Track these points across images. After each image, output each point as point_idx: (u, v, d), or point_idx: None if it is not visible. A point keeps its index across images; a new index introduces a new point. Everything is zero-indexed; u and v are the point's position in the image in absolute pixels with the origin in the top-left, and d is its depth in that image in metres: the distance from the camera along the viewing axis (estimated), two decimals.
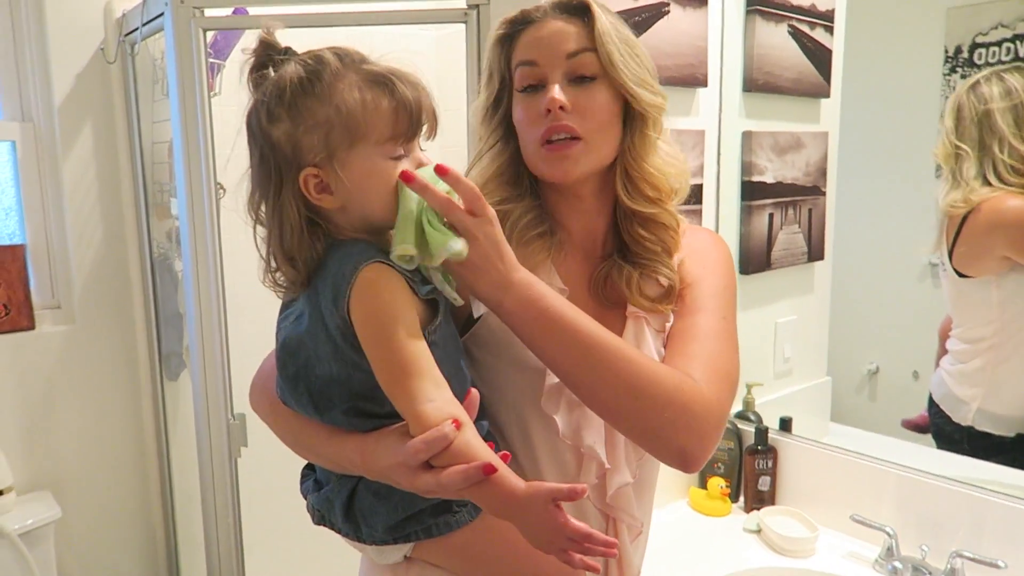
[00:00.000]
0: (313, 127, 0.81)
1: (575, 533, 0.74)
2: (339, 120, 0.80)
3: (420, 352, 0.78)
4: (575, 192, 0.99)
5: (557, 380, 0.91)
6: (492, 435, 0.95)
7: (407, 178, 0.80)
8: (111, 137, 2.25)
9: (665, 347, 0.97)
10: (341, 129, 0.81)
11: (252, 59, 0.86)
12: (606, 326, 0.96)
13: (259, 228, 0.87)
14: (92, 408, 2.28)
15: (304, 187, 0.82)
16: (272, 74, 0.84)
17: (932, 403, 1.73)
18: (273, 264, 0.86)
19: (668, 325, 0.99)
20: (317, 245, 0.84)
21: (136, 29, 2.01)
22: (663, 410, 0.84)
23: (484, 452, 0.75)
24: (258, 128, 0.83)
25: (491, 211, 0.82)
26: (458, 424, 0.75)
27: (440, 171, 0.80)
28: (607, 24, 0.94)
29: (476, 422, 0.87)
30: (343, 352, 0.81)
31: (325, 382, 0.84)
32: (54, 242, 2.25)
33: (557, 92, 0.92)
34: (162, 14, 1.82)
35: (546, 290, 0.85)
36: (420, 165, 0.85)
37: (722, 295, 1.01)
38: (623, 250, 1.01)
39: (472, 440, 0.76)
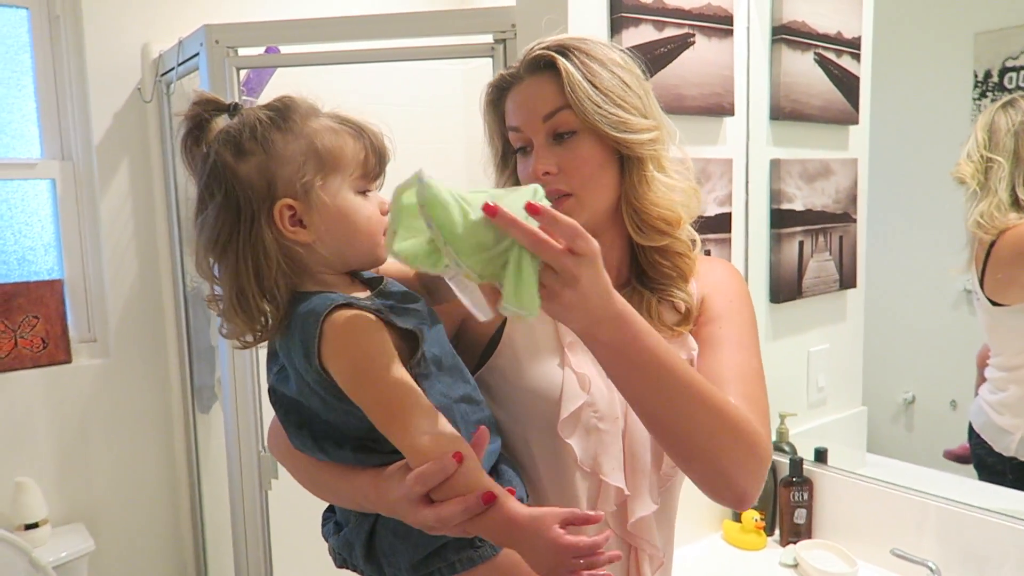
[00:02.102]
0: (289, 159, 0.80)
1: (580, 550, 0.72)
2: (314, 152, 0.81)
3: (404, 387, 0.77)
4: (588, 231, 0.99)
5: (575, 409, 0.91)
6: (507, 460, 0.93)
7: (491, 211, 0.67)
8: (147, 174, 2.31)
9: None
10: (317, 161, 0.81)
11: (189, 120, 0.83)
12: None
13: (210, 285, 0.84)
14: (125, 441, 2.31)
15: (279, 219, 0.80)
16: (213, 131, 0.83)
17: (973, 433, 1.68)
18: (241, 308, 0.81)
19: (693, 354, 0.99)
20: (284, 287, 0.83)
21: (172, 69, 2.07)
22: (733, 451, 0.85)
23: (485, 482, 0.74)
24: (223, 167, 0.81)
25: (595, 245, 0.73)
26: (459, 457, 0.73)
27: (532, 210, 0.69)
28: (577, 77, 0.92)
29: (491, 440, 0.86)
30: (331, 403, 0.80)
31: (327, 429, 0.84)
32: (91, 277, 2.30)
33: (540, 161, 0.94)
34: (197, 54, 1.87)
35: (642, 326, 0.81)
36: (383, 203, 0.85)
37: (753, 332, 1.02)
38: (641, 276, 1.02)
39: (473, 471, 0.74)
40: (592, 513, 0.73)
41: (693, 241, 1.03)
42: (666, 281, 1.00)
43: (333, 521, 0.95)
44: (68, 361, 2.21)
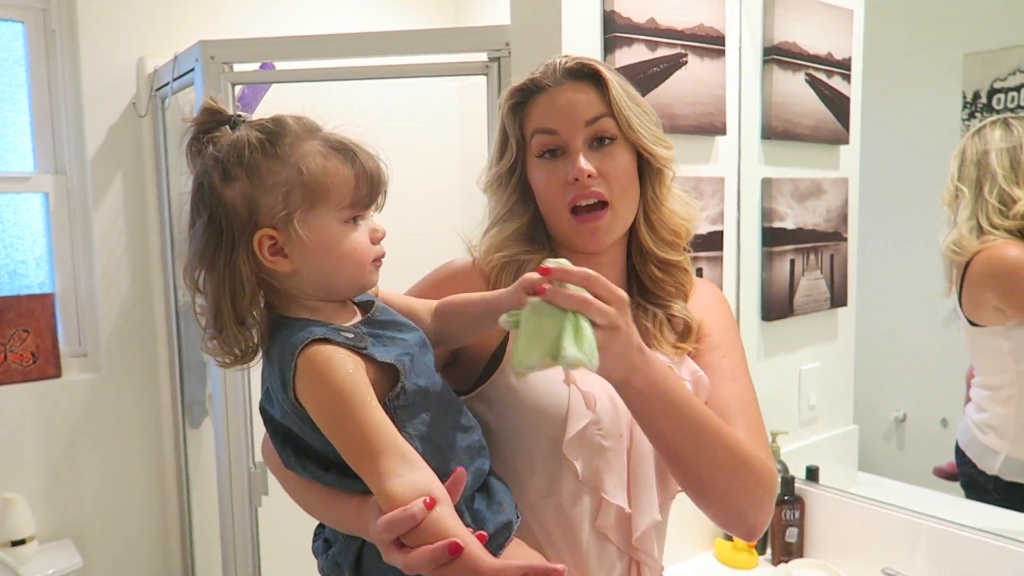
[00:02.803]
0: (272, 187, 0.79)
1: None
2: (301, 181, 0.79)
3: (378, 427, 0.75)
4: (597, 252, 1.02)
5: (580, 428, 0.92)
6: (498, 476, 0.93)
7: (540, 292, 0.77)
8: (140, 188, 2.31)
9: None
10: (302, 191, 0.79)
11: (194, 127, 0.84)
12: None
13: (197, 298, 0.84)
14: (115, 456, 2.29)
15: (258, 249, 0.80)
16: (218, 140, 0.82)
17: (959, 451, 1.69)
18: (219, 329, 0.82)
19: (696, 374, 1.00)
20: (264, 312, 0.83)
21: (167, 84, 2.08)
22: (749, 490, 0.91)
23: (456, 529, 0.72)
24: (210, 189, 0.80)
25: (623, 293, 0.81)
26: (431, 502, 0.72)
27: (542, 272, 0.78)
28: (619, 90, 0.97)
29: (478, 463, 0.86)
30: (308, 432, 0.80)
31: (311, 451, 0.83)
32: (82, 291, 2.30)
33: (584, 162, 0.94)
34: (192, 69, 1.88)
35: (666, 370, 0.87)
36: (375, 231, 0.84)
37: (744, 357, 1.06)
38: (643, 294, 1.04)
39: (446, 518, 0.72)
40: (554, 566, 0.72)
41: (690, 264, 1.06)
42: (668, 298, 1.03)
43: (323, 538, 0.95)
44: (58, 376, 2.20)
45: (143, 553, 2.36)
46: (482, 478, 0.88)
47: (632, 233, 1.03)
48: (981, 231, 1.57)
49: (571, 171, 0.95)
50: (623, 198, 0.97)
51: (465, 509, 0.82)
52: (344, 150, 0.83)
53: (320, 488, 0.86)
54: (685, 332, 1.02)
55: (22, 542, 2.02)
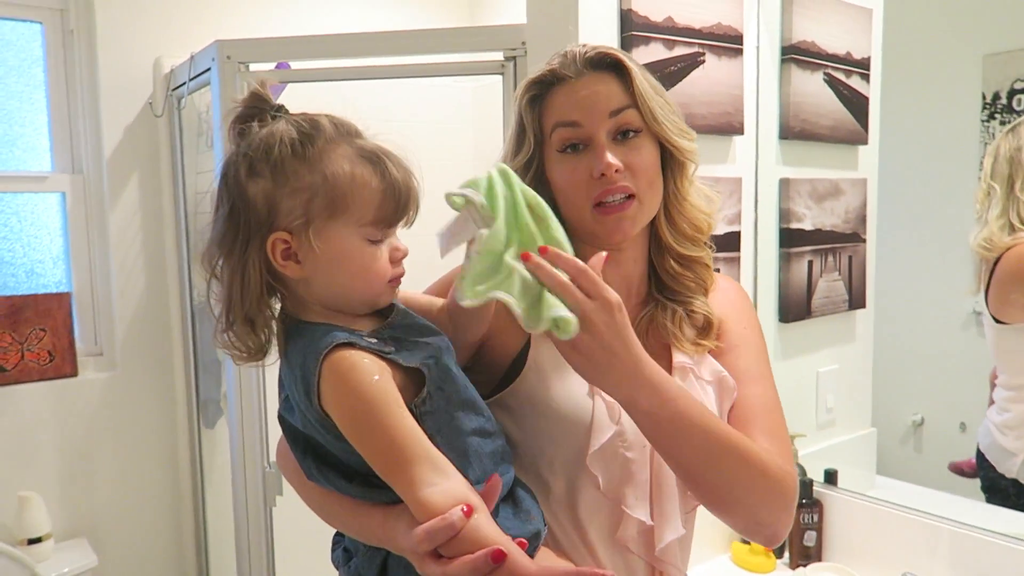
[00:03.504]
0: (295, 191, 0.77)
1: None
2: (324, 189, 0.77)
3: (409, 434, 0.73)
4: (618, 246, 0.98)
5: (605, 440, 0.90)
6: (524, 485, 0.90)
7: (524, 257, 0.78)
8: (156, 188, 2.32)
9: (729, 412, 0.97)
10: (324, 199, 0.77)
11: (240, 108, 0.82)
12: None
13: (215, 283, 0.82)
14: (130, 455, 2.30)
15: (271, 251, 0.77)
16: (256, 129, 0.80)
17: (980, 454, 1.67)
18: (229, 323, 0.80)
19: (719, 373, 0.98)
20: (275, 314, 0.82)
21: (183, 84, 2.08)
22: (768, 500, 0.89)
23: (496, 537, 0.71)
24: (235, 180, 0.79)
25: (612, 295, 0.78)
26: (469, 510, 0.70)
27: (541, 252, 0.78)
28: (643, 80, 0.94)
29: (503, 471, 0.83)
30: (332, 441, 0.78)
31: (334, 461, 0.81)
32: (99, 290, 2.31)
33: (610, 156, 0.91)
34: (209, 69, 1.88)
35: (676, 388, 0.84)
36: (396, 249, 0.82)
37: (767, 358, 1.03)
38: (660, 290, 1.02)
39: (484, 526, 0.71)
40: (602, 571, 0.71)
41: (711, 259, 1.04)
42: (688, 294, 1.00)
43: (343, 547, 0.92)
44: (74, 374, 2.21)
45: (157, 552, 2.36)
46: (507, 486, 0.86)
47: (652, 227, 1.00)
48: (1012, 229, 1.55)
49: (597, 166, 0.91)
50: (650, 191, 0.94)
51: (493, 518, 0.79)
52: (376, 161, 0.79)
53: (342, 498, 0.83)
54: (705, 328, 1.00)
55: (38, 540, 2.03)
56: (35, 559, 1.98)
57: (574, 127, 0.93)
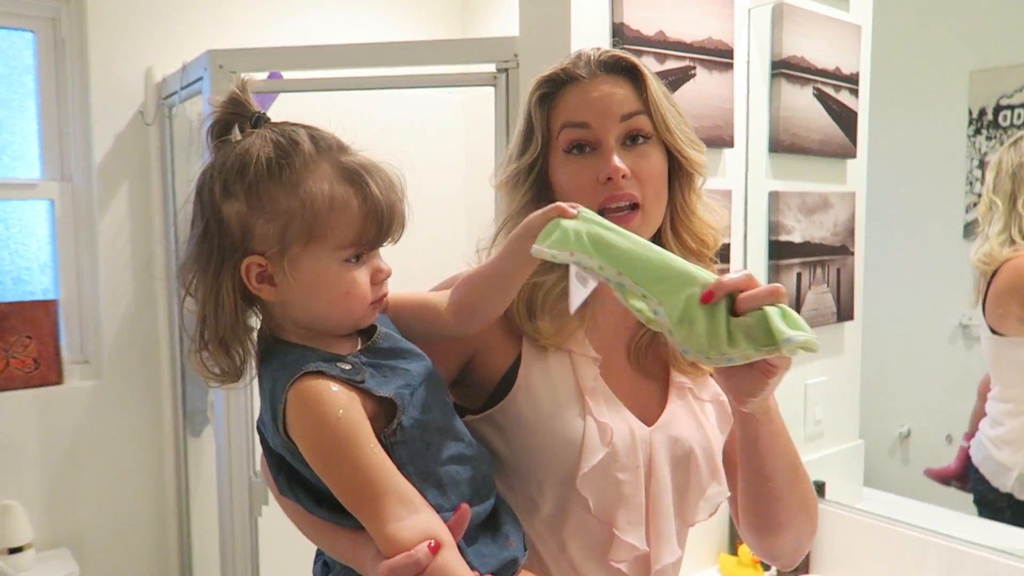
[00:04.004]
0: (271, 216, 0.73)
1: None
2: (301, 214, 0.73)
3: (375, 469, 0.71)
4: None
5: (597, 462, 0.87)
6: (508, 509, 0.88)
7: (708, 297, 0.72)
8: (146, 196, 2.31)
9: (727, 439, 0.98)
10: (301, 224, 0.73)
11: (217, 113, 0.78)
12: (646, 396, 0.96)
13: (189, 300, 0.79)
14: (115, 464, 2.28)
15: (245, 274, 0.74)
16: (237, 137, 0.77)
17: (972, 467, 1.68)
18: (203, 343, 0.77)
19: (718, 396, 0.97)
20: (251, 335, 0.79)
21: (175, 92, 2.08)
22: (813, 531, 0.95)
23: (462, 573, 0.70)
24: (209, 199, 0.75)
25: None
26: (436, 546, 0.69)
27: (708, 297, 0.72)
28: (657, 88, 0.92)
29: (480, 500, 0.81)
30: (300, 466, 0.76)
31: (306, 483, 0.79)
32: (86, 298, 2.29)
33: (618, 160, 0.88)
34: (201, 78, 1.88)
35: (774, 402, 0.87)
36: (379, 271, 0.79)
37: None
38: None
39: (450, 562, 0.69)
40: None
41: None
42: None
43: (323, 561, 0.90)
44: (60, 383, 2.19)
45: (141, 563, 2.34)
46: (485, 514, 0.83)
47: (657, 240, 0.95)
48: (1012, 243, 1.56)
49: (604, 170, 0.88)
50: (655, 201, 0.91)
51: (466, 546, 0.77)
52: (356, 180, 0.75)
53: (315, 518, 0.82)
54: None
55: (19, 550, 2.01)
56: (16, 569, 1.95)
57: (583, 128, 0.90)
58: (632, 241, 0.76)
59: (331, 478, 0.72)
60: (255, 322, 0.81)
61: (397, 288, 0.86)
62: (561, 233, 0.75)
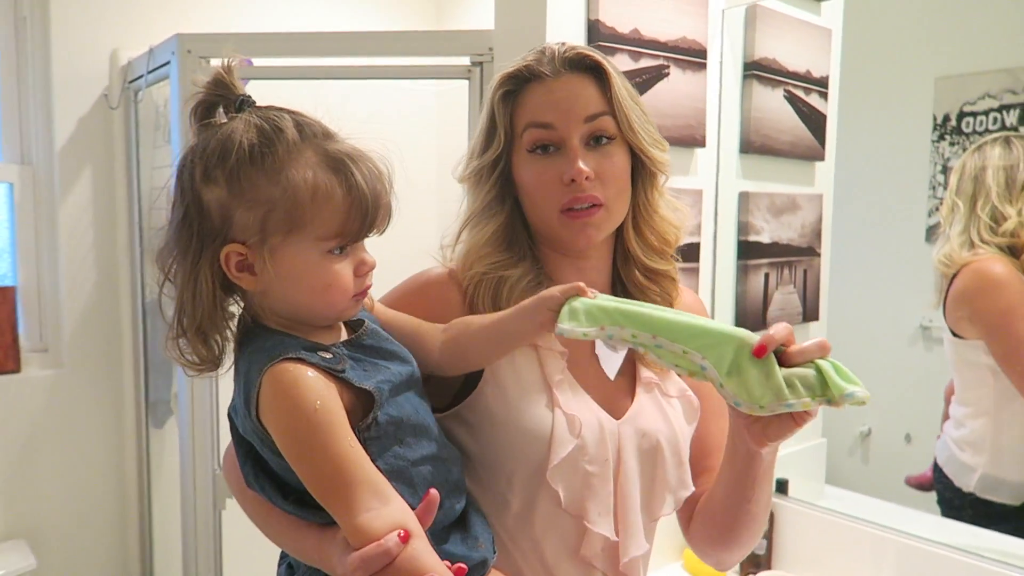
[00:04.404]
0: (252, 204, 0.72)
1: None
2: (283, 203, 0.72)
3: (349, 456, 0.70)
4: (582, 253, 0.96)
5: (567, 454, 0.87)
6: (477, 508, 0.88)
7: (760, 351, 0.75)
8: (110, 182, 2.26)
9: (692, 437, 1.00)
10: (282, 213, 0.72)
11: (202, 95, 0.76)
12: (613, 390, 0.96)
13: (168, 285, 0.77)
14: (74, 455, 2.23)
15: (224, 262, 0.73)
16: (221, 120, 0.75)
17: (937, 468, 1.71)
18: (181, 331, 0.76)
19: (684, 391, 0.98)
20: (230, 322, 0.78)
21: (141, 76, 2.04)
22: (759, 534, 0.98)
23: (433, 563, 0.69)
24: (189, 183, 0.74)
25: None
26: (406, 535, 0.68)
27: (760, 351, 0.75)
28: (621, 87, 0.92)
29: (451, 501, 0.81)
30: (270, 455, 0.75)
31: (272, 475, 0.78)
32: (46, 285, 2.24)
33: (582, 162, 0.89)
34: (168, 63, 1.84)
35: None
36: (363, 263, 0.77)
37: None
38: None
39: (421, 553, 0.69)
40: None
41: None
42: None
43: (287, 563, 0.89)
44: (17, 371, 2.14)
45: (100, 555, 2.29)
46: (454, 516, 0.83)
47: (619, 237, 0.98)
48: (972, 245, 1.59)
49: (568, 171, 0.89)
50: (617, 200, 0.93)
51: (436, 546, 0.76)
52: (341, 169, 0.74)
53: (280, 514, 0.80)
54: None
55: None
56: None
57: (547, 128, 0.90)
58: (655, 308, 0.80)
59: (302, 466, 0.71)
60: (236, 308, 0.80)
61: (379, 279, 0.84)
62: (587, 311, 0.79)
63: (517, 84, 0.93)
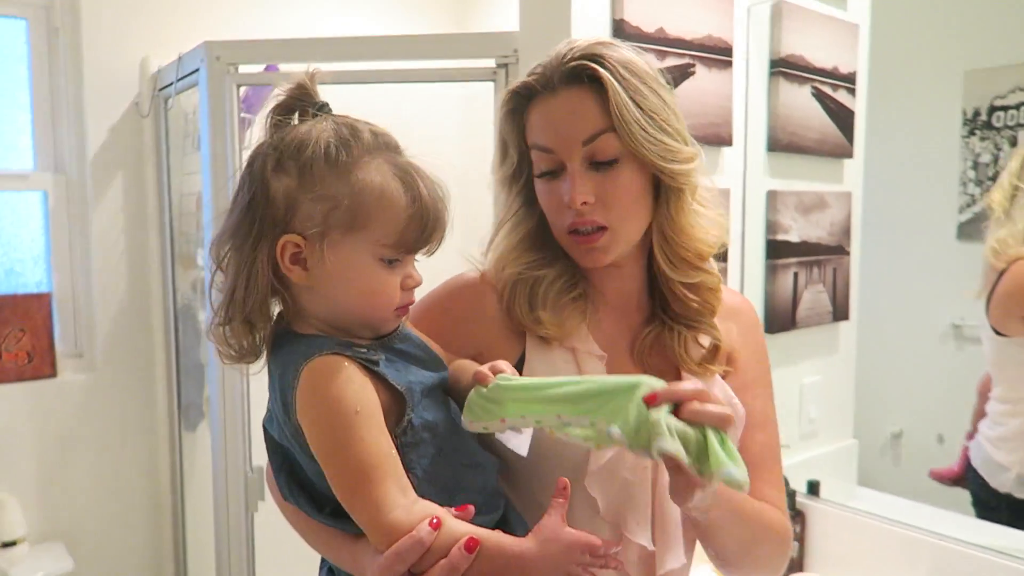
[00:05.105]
0: (319, 197, 0.73)
1: (592, 545, 0.72)
2: (349, 201, 0.73)
3: (382, 451, 0.69)
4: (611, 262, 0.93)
5: (605, 460, 0.86)
6: (517, 515, 0.87)
7: (652, 400, 0.71)
8: (141, 189, 2.29)
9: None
10: (346, 211, 0.73)
11: (283, 97, 0.79)
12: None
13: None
14: (109, 458, 2.27)
15: (279, 252, 0.74)
16: (296, 122, 0.77)
17: (971, 468, 1.68)
18: (227, 318, 0.77)
19: (728, 398, 0.94)
20: (272, 317, 0.78)
21: (171, 84, 2.07)
22: (774, 555, 0.94)
23: (467, 529, 0.69)
24: (260, 172, 0.76)
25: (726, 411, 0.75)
26: (437, 522, 0.68)
27: (651, 399, 0.71)
28: (623, 96, 0.83)
29: (489, 509, 0.80)
30: (306, 460, 0.75)
31: (308, 485, 0.78)
32: (79, 291, 2.28)
33: (579, 188, 0.84)
34: (197, 70, 1.87)
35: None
36: (410, 277, 0.78)
37: (772, 396, 1.02)
38: (666, 309, 0.95)
39: (456, 528, 0.68)
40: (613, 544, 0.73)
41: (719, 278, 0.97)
42: (695, 317, 0.94)
43: (328, 568, 0.89)
44: (53, 375, 2.18)
45: (135, 557, 2.33)
46: (492, 524, 0.81)
47: (647, 256, 0.94)
48: None
49: (565, 197, 0.85)
50: (623, 224, 0.87)
51: None
52: (409, 181, 0.76)
53: (317, 524, 0.80)
54: (713, 353, 0.94)
55: (12, 544, 2.00)
56: (9, 563, 1.95)
57: (547, 152, 0.87)
58: (558, 381, 0.76)
59: (332, 458, 0.71)
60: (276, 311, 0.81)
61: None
62: (484, 404, 0.76)
63: (520, 102, 0.91)
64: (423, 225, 0.76)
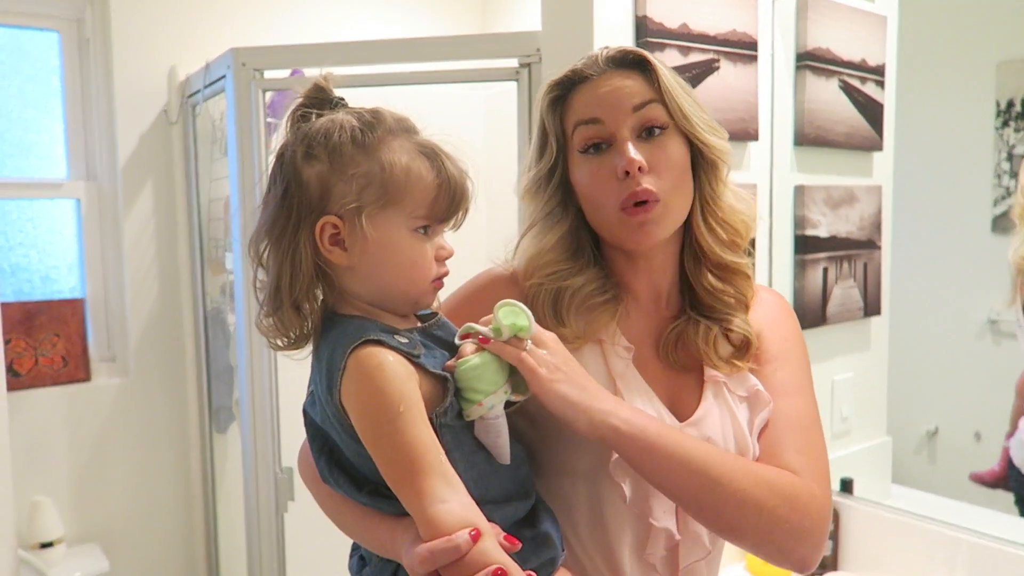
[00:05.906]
0: (351, 176, 0.76)
1: None
2: (380, 177, 0.76)
3: (425, 444, 0.72)
4: (647, 254, 0.94)
5: None
6: (545, 506, 0.87)
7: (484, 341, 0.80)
8: (170, 195, 2.33)
9: (760, 432, 0.92)
10: (379, 187, 0.77)
11: (301, 99, 0.82)
12: (679, 390, 0.93)
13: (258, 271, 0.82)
14: (142, 460, 2.30)
15: (318, 235, 0.77)
16: (314, 118, 0.80)
17: (1013, 467, 1.65)
18: (275, 307, 0.79)
19: (753, 388, 0.94)
20: (318, 306, 0.81)
21: (198, 91, 2.10)
22: (785, 522, 0.82)
23: (502, 559, 0.69)
24: (291, 162, 0.78)
25: (546, 335, 0.83)
26: (477, 534, 0.68)
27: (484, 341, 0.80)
28: (668, 75, 0.90)
29: (518, 501, 0.81)
30: (348, 441, 0.77)
31: (347, 466, 0.80)
32: (112, 296, 2.31)
33: (633, 152, 0.86)
34: (224, 76, 1.89)
35: (647, 420, 0.82)
36: (442, 248, 0.81)
37: (808, 373, 0.97)
38: (695, 305, 0.96)
39: (491, 552, 0.69)
40: None
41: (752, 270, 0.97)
42: (727, 311, 0.94)
43: (359, 555, 0.90)
44: (87, 380, 2.22)
45: (169, 558, 2.36)
46: (523, 513, 0.83)
47: (687, 235, 0.94)
48: None
49: (620, 163, 0.86)
50: (675, 193, 0.89)
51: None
52: (433, 156, 0.80)
53: (354, 505, 0.82)
54: (743, 348, 0.93)
55: (50, 544, 2.03)
56: (47, 564, 1.98)
57: (596, 124, 0.89)
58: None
59: (379, 449, 0.73)
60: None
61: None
62: (463, 393, 0.80)
63: (564, 89, 0.93)
64: (452, 195, 0.80)
